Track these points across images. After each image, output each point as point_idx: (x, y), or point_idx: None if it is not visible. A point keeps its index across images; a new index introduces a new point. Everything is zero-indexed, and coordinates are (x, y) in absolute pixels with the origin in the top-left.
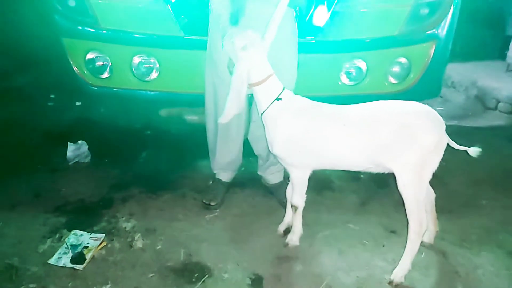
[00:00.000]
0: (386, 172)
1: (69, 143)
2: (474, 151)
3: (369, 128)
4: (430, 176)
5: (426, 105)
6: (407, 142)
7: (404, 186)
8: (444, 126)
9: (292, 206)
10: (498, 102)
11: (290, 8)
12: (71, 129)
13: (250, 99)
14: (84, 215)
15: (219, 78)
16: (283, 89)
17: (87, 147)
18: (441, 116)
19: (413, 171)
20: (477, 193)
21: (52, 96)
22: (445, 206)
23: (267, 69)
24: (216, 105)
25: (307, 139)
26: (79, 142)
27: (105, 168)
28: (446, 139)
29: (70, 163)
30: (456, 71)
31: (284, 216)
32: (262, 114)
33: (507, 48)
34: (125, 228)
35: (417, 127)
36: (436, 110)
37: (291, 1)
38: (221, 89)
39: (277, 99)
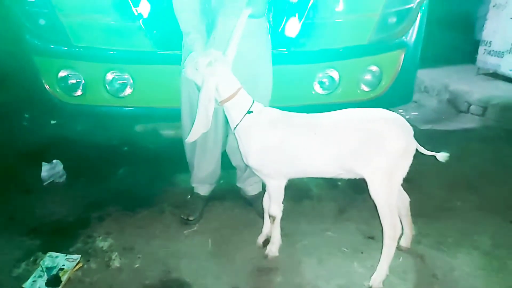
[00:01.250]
0: (357, 178)
1: (43, 162)
2: (442, 156)
3: (338, 136)
4: (400, 181)
5: (394, 112)
6: (376, 148)
7: (375, 191)
8: (412, 132)
9: (270, 216)
10: (470, 105)
11: (262, 21)
12: (46, 148)
13: None
14: (60, 236)
15: (195, 92)
16: (253, 102)
17: (62, 166)
18: (416, 121)
19: (383, 176)
20: (451, 195)
21: (26, 115)
22: (420, 210)
23: (235, 83)
24: (192, 119)
25: (280, 149)
26: (54, 161)
27: (81, 187)
28: (415, 145)
29: (45, 183)
30: (428, 76)
31: (262, 228)
32: (235, 128)
33: (477, 52)
34: (102, 247)
35: (385, 134)
36: (411, 115)
37: (250, 14)
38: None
39: (248, 112)
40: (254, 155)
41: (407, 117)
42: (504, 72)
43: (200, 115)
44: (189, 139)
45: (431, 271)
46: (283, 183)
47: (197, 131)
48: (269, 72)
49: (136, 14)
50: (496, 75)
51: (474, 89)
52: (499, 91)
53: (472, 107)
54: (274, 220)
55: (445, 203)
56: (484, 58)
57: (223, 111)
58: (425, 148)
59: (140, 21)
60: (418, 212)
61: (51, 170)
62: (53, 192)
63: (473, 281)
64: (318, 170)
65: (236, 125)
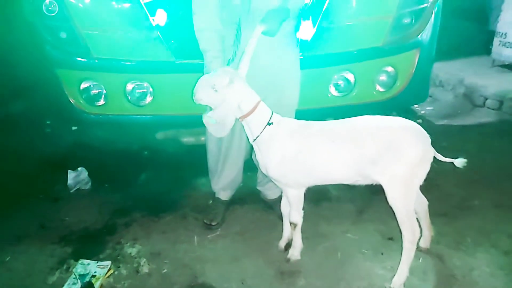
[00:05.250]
0: (374, 184)
1: (69, 170)
2: (460, 162)
3: (356, 143)
4: (417, 188)
5: (415, 120)
6: (393, 156)
7: (393, 198)
8: (429, 141)
9: (291, 223)
10: (486, 99)
11: (291, 33)
12: (69, 155)
13: None
14: (90, 244)
15: None
16: (272, 113)
17: (86, 173)
18: (432, 116)
19: (400, 183)
20: (469, 194)
21: (48, 122)
22: (439, 209)
23: (254, 97)
24: None
25: (300, 158)
26: (79, 169)
27: (106, 194)
28: (432, 153)
29: (72, 191)
30: (443, 70)
31: (283, 232)
32: (254, 140)
33: (492, 43)
34: (130, 253)
35: (402, 142)
36: (426, 109)
37: (264, 32)
38: None
39: (269, 124)
40: (275, 166)
41: (422, 112)
42: None
43: (216, 127)
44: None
45: (450, 271)
46: (302, 191)
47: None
48: (296, 83)
49: (153, 25)
50: (511, 67)
51: (490, 82)
52: None
53: (488, 101)
54: (295, 227)
55: (463, 201)
56: (499, 50)
57: None
58: (442, 145)
59: (158, 32)
60: (436, 211)
61: (77, 177)
62: (80, 199)
63: (492, 281)
64: (336, 177)
65: (256, 137)
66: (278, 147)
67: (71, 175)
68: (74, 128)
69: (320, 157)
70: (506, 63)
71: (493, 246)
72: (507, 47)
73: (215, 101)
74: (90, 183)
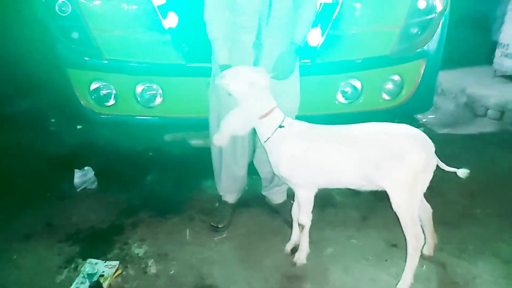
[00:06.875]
0: (380, 189)
1: (75, 169)
2: (463, 172)
3: (362, 147)
4: (421, 195)
5: (417, 128)
6: (397, 162)
7: (397, 204)
8: (433, 149)
9: (299, 225)
10: (487, 109)
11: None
12: (75, 154)
13: None
14: (97, 243)
15: (223, 106)
16: (284, 117)
17: (93, 172)
18: (433, 124)
19: (404, 189)
20: (472, 203)
21: (53, 120)
22: (442, 217)
23: (271, 102)
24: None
25: (308, 158)
26: (85, 168)
27: (113, 193)
28: (435, 161)
29: (78, 190)
30: (445, 78)
31: (290, 235)
32: (265, 141)
33: (494, 53)
34: (137, 254)
35: (406, 149)
36: (428, 118)
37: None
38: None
39: (280, 126)
40: (285, 165)
41: (423, 120)
42: None
43: (235, 121)
44: (216, 140)
45: (453, 279)
46: (313, 193)
47: (225, 135)
48: (296, 90)
49: (166, 28)
50: None
51: (491, 92)
52: None
53: (489, 111)
54: (303, 228)
55: (466, 210)
56: (501, 61)
57: None
58: (444, 154)
59: (168, 35)
60: (439, 219)
61: (83, 176)
62: (86, 198)
63: None
64: (342, 180)
65: (267, 139)
66: (288, 146)
67: (77, 174)
68: (79, 127)
69: (327, 157)
70: (508, 74)
71: (494, 255)
72: (509, 58)
73: (243, 95)
74: (96, 183)
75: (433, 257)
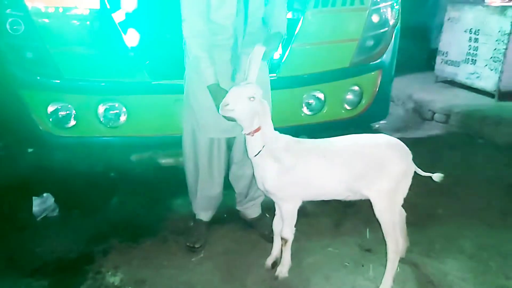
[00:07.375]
0: (363, 199)
1: (33, 197)
2: (437, 176)
3: (346, 160)
4: (401, 201)
5: (395, 138)
6: (379, 171)
7: (380, 211)
8: (411, 156)
9: (282, 239)
10: (434, 113)
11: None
12: (29, 180)
13: (230, 142)
14: (67, 275)
15: (198, 124)
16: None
17: (53, 199)
18: (386, 130)
19: (386, 197)
20: (432, 203)
21: (0, 144)
22: (407, 219)
23: None
24: (195, 149)
25: (296, 172)
26: (44, 195)
27: (77, 220)
28: (413, 167)
29: (38, 219)
30: (393, 86)
31: (271, 250)
32: (255, 155)
33: (434, 60)
34: (113, 283)
35: (387, 158)
36: (380, 124)
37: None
38: (200, 134)
39: None
40: (272, 179)
41: (376, 126)
42: (460, 80)
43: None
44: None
45: (427, 278)
46: (297, 206)
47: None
48: (269, 99)
49: (128, 45)
50: (453, 83)
51: (436, 97)
52: (459, 99)
53: (436, 115)
54: (286, 242)
55: (427, 210)
56: (441, 67)
57: (226, 140)
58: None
59: (132, 53)
60: (406, 221)
61: (43, 204)
62: (49, 227)
63: (464, 285)
64: (328, 192)
65: (258, 152)
66: (275, 160)
67: (36, 201)
68: (30, 150)
69: (313, 171)
70: (449, 79)
71: (459, 251)
72: (449, 65)
73: (249, 111)
74: (57, 210)
75: (405, 259)
